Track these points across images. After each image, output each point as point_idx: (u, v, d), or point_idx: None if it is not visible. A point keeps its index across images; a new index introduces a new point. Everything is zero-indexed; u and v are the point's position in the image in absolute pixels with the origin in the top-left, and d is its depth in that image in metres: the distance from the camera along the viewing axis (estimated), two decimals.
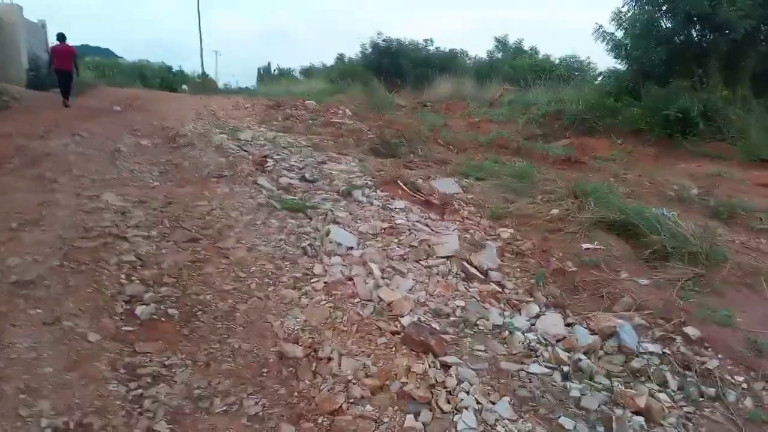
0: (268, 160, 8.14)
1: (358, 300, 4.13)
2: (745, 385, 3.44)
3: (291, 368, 3.39)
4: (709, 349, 3.70)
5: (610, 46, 14.43)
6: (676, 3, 12.16)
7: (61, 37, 13.50)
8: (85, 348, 3.30)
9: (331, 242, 5.05)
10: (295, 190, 6.82)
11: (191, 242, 5.03)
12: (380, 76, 25.97)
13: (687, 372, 3.54)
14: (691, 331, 3.82)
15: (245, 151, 8.79)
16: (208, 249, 4.88)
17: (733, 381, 3.47)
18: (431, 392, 3.17)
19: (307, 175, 7.46)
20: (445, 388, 3.21)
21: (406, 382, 3.21)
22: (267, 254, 4.80)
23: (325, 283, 4.34)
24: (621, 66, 15.09)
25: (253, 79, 51.27)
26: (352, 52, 35.75)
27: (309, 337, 3.63)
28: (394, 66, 28.53)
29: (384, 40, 29.70)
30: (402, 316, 3.88)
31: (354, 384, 3.21)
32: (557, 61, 27.78)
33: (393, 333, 3.71)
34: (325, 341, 3.60)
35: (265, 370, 3.37)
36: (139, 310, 3.85)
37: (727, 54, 12.35)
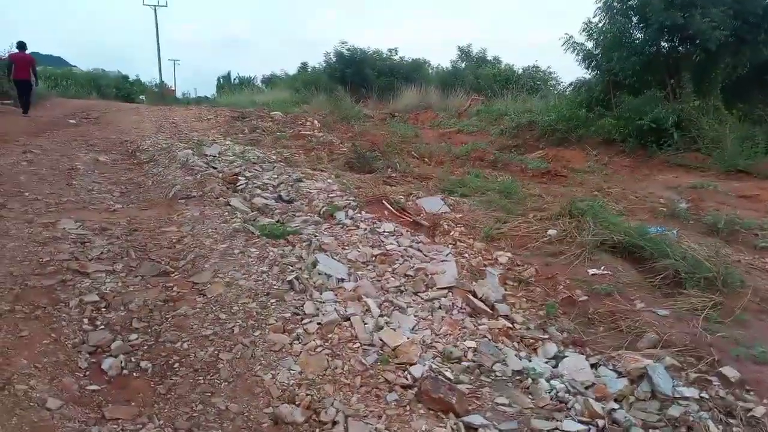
0: (239, 177, 7.58)
1: (358, 345, 3.61)
2: None
3: None
4: (752, 393, 3.34)
5: (580, 57, 14.29)
6: (649, 14, 12.07)
7: (21, 45, 12.99)
8: (44, 419, 2.72)
9: (319, 274, 4.53)
10: (271, 211, 6.29)
11: (161, 276, 4.47)
12: (344, 85, 25.56)
13: (731, 420, 3.17)
14: (728, 372, 3.45)
15: (213, 167, 8.20)
16: (181, 284, 4.32)
17: None
18: None
19: (283, 195, 6.94)
20: None
21: None
22: (249, 290, 4.23)
23: (318, 324, 3.80)
24: (590, 76, 14.99)
25: (213, 88, 50.45)
26: (315, 61, 35.32)
27: (307, 394, 3.10)
28: (358, 75, 28.13)
29: (348, 49, 29.25)
30: (411, 365, 3.42)
31: None
32: (520, 71, 27.78)
33: (404, 387, 3.23)
34: (326, 399, 3.08)
35: None
36: (107, 363, 3.30)
37: (698, 65, 12.33)
